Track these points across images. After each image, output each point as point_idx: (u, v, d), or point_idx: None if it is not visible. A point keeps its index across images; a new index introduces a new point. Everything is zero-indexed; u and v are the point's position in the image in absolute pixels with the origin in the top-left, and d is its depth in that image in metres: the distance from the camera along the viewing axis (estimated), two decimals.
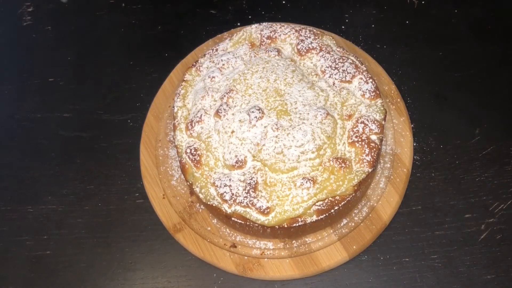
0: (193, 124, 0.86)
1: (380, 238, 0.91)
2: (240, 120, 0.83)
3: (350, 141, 0.83)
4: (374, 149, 0.82)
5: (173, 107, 0.92)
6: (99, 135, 1.07)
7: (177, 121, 0.89)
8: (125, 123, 1.08)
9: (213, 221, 0.92)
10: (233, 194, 0.79)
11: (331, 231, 0.89)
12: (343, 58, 0.91)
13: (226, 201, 0.80)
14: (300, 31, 0.94)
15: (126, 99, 1.11)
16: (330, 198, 0.80)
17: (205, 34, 1.15)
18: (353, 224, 0.89)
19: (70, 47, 1.20)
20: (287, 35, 0.95)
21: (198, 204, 0.93)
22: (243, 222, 0.81)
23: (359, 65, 0.90)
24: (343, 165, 0.79)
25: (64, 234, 0.96)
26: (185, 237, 0.91)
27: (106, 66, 1.16)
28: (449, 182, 0.96)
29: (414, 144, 0.99)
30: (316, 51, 0.92)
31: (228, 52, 0.94)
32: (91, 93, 1.12)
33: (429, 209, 0.94)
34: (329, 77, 0.89)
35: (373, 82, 0.88)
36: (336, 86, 0.88)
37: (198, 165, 0.84)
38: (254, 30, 0.97)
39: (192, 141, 0.87)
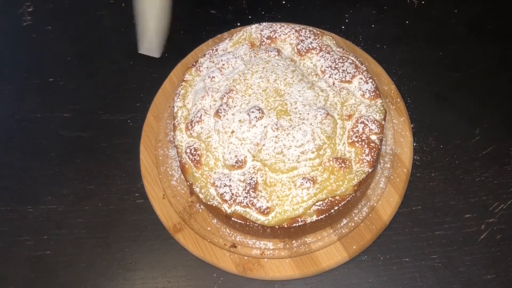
0: (193, 124, 0.86)
1: (380, 238, 0.91)
2: (240, 120, 0.83)
3: (350, 141, 0.83)
4: (374, 149, 0.82)
5: (173, 107, 0.92)
6: (99, 135, 1.07)
7: (177, 121, 0.89)
8: (125, 123, 1.08)
9: (213, 221, 0.92)
10: (233, 194, 0.79)
11: (331, 231, 0.89)
12: (343, 58, 0.91)
13: (226, 201, 0.80)
14: (300, 31, 0.94)
15: (126, 99, 1.10)
16: (330, 198, 0.80)
17: (205, 34, 1.15)
18: (353, 224, 0.89)
19: (70, 47, 1.19)
20: (287, 35, 0.95)
21: (198, 204, 0.93)
22: (243, 222, 0.81)
23: (359, 65, 0.90)
24: (343, 165, 0.79)
25: (64, 234, 0.96)
26: (185, 237, 0.91)
27: (106, 66, 1.16)
28: (449, 182, 0.96)
29: (414, 144, 0.99)
30: (316, 51, 0.92)
31: (228, 52, 0.94)
32: (91, 93, 1.12)
33: (429, 209, 0.94)
34: (329, 77, 0.89)
35: (373, 82, 0.88)
36: (336, 86, 0.88)
37: (198, 165, 0.84)
38: (254, 30, 0.97)
39: (192, 141, 0.87)
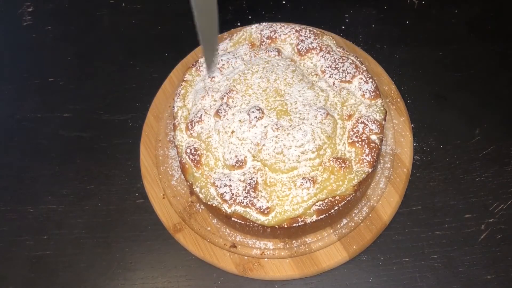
0: (193, 124, 0.86)
1: (380, 238, 0.91)
2: (240, 120, 0.83)
3: (350, 141, 0.83)
4: (374, 149, 0.82)
5: (173, 107, 0.92)
6: (99, 135, 1.07)
7: (177, 121, 0.89)
8: (125, 123, 1.08)
9: (213, 221, 0.92)
10: (233, 194, 0.79)
11: (331, 231, 0.89)
12: (343, 58, 0.91)
13: (226, 201, 0.80)
14: (300, 31, 0.94)
15: (126, 99, 1.10)
16: (330, 198, 0.80)
17: None
18: (353, 224, 0.89)
19: (70, 47, 1.19)
20: (287, 35, 0.95)
21: (198, 204, 0.93)
22: (243, 222, 0.81)
23: (359, 65, 0.90)
24: (343, 165, 0.79)
25: (64, 234, 0.96)
26: (185, 237, 0.91)
27: (106, 66, 1.16)
28: (449, 182, 0.96)
29: (414, 144, 0.99)
30: (316, 51, 0.92)
31: (228, 52, 0.94)
32: (91, 93, 1.12)
33: (429, 209, 0.94)
34: (329, 77, 0.89)
35: (373, 82, 0.88)
36: (336, 86, 0.88)
37: (198, 165, 0.84)
38: (254, 30, 0.97)
39: (192, 141, 0.87)
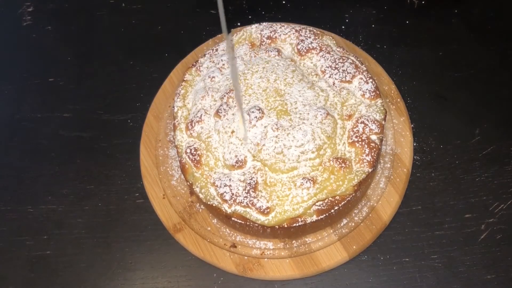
0: (193, 124, 0.86)
1: (380, 238, 0.91)
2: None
3: (350, 141, 0.83)
4: (374, 149, 0.82)
5: (173, 107, 0.92)
6: (99, 135, 1.06)
7: (177, 121, 0.89)
8: (125, 123, 1.08)
9: (213, 221, 0.92)
10: (233, 194, 0.79)
11: (331, 231, 0.89)
12: (343, 58, 0.91)
13: (226, 201, 0.80)
14: (300, 31, 0.94)
15: (126, 99, 1.10)
16: (330, 198, 0.80)
17: (205, 34, 1.15)
18: (353, 224, 0.89)
19: (70, 47, 1.19)
20: (287, 35, 0.95)
21: (198, 204, 0.93)
22: (243, 222, 0.81)
23: (359, 65, 0.90)
24: (343, 165, 0.79)
25: (64, 234, 0.96)
26: (185, 237, 0.91)
27: (106, 66, 1.16)
28: (449, 182, 0.96)
29: (414, 144, 0.99)
30: (316, 51, 0.92)
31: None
32: (91, 93, 1.12)
33: (429, 209, 0.94)
34: (329, 77, 0.89)
35: (373, 82, 0.88)
36: (336, 86, 0.88)
37: (198, 165, 0.84)
38: (254, 30, 0.97)
39: (192, 141, 0.87)
